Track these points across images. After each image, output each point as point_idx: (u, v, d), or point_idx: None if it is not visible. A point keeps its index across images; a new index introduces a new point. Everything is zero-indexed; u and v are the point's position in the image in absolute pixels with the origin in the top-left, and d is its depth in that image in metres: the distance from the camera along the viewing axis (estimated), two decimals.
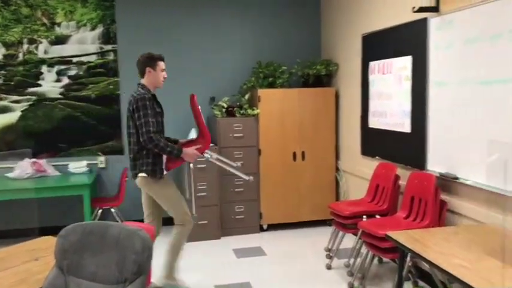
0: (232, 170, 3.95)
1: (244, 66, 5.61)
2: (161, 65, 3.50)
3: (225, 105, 5.16)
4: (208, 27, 5.52)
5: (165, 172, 3.56)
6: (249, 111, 5.12)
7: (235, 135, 5.05)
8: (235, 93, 5.56)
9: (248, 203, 5.16)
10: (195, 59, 5.52)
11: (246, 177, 3.89)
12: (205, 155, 3.74)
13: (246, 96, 5.31)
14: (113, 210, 5.01)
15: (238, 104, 5.27)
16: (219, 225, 5.04)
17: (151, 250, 1.94)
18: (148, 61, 3.47)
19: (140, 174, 3.49)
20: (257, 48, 5.67)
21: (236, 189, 5.09)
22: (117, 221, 4.53)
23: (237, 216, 5.13)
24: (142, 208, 3.71)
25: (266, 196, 5.19)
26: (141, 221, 5.33)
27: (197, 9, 5.48)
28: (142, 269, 1.90)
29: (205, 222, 4.99)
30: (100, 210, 4.99)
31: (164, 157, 3.55)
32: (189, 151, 3.52)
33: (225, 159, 4.09)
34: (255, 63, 5.59)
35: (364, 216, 3.87)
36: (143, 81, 3.51)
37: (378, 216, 3.85)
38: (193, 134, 5.20)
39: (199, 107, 3.54)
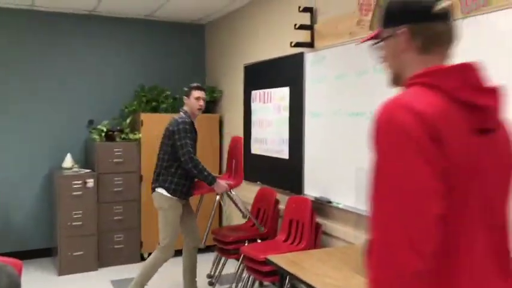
0: (243, 215, 4.19)
1: (126, 89, 5.44)
2: (195, 94, 3.80)
3: (105, 129, 4.95)
4: (88, 48, 5.30)
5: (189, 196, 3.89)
6: (131, 135, 4.98)
7: (115, 160, 4.86)
8: (116, 116, 5.37)
9: (128, 232, 4.96)
10: (73, 80, 5.24)
11: (261, 229, 4.07)
12: (233, 192, 4.13)
13: (128, 120, 5.16)
14: None
15: (119, 128, 5.09)
16: (96, 255, 4.76)
17: (19, 286, 1.77)
18: (186, 90, 3.86)
19: (158, 190, 3.75)
20: (141, 71, 5.56)
21: (115, 217, 4.87)
22: None
23: (115, 246, 4.90)
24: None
25: (147, 224, 5.03)
26: (10, 253, 4.85)
27: (76, 29, 5.24)
28: None
29: (81, 253, 4.68)
30: None
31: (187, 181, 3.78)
32: (222, 183, 3.85)
33: (240, 204, 4.19)
34: (137, 87, 5.47)
35: (246, 241, 3.94)
36: (185, 107, 3.86)
37: (259, 240, 3.95)
38: (68, 160, 4.91)
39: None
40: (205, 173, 3.68)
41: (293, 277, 2.56)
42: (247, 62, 4.76)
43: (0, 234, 4.93)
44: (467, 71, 1.14)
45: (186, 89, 3.89)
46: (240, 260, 3.87)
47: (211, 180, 3.71)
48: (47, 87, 5.09)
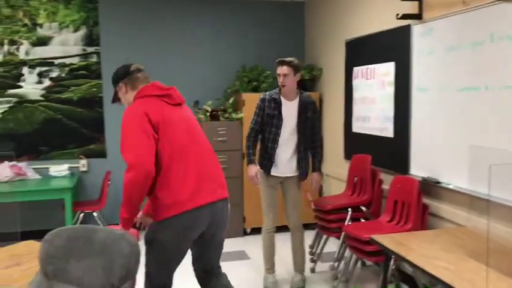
0: None
1: (229, 70, 5.61)
2: (277, 70, 3.62)
3: (209, 109, 5.15)
4: (192, 31, 5.52)
5: None
6: (233, 115, 5.13)
7: (219, 139, 5.05)
8: (220, 97, 5.56)
9: (232, 207, 5.13)
10: (180, 63, 5.50)
11: None
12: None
13: (230, 100, 5.32)
14: (95, 214, 4.95)
15: (222, 107, 5.27)
16: None
17: (139, 255, 1.93)
18: None
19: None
20: (242, 52, 5.68)
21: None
22: (100, 225, 4.48)
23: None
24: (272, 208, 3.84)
25: (249, 200, 5.19)
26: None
27: (181, 13, 5.47)
28: (130, 274, 1.89)
29: None
30: (82, 214, 4.92)
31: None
32: (252, 167, 3.70)
33: None
34: (239, 67, 5.60)
35: (349, 209, 3.90)
36: None
37: (362, 208, 3.91)
38: None
39: None
40: (247, 152, 3.73)
41: (399, 258, 2.48)
42: (349, 38, 4.63)
43: (117, 207, 5.39)
44: (154, 85, 2.51)
45: None
46: (342, 238, 3.85)
47: (247, 161, 3.73)
48: (157, 71, 5.40)
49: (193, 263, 2.68)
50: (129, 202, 2.25)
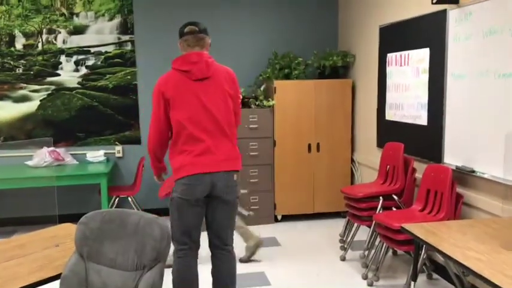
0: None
1: (260, 58, 5.61)
2: None
3: (241, 96, 5.16)
4: (224, 18, 5.53)
5: None
6: (265, 102, 5.13)
7: (250, 126, 5.07)
8: (251, 84, 5.57)
9: (263, 194, 5.19)
10: (212, 50, 5.51)
11: (245, 213, 4.34)
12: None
13: (262, 88, 5.32)
14: (129, 198, 5.08)
15: (253, 95, 5.28)
16: None
17: (170, 238, 1.98)
18: None
19: None
20: (273, 39, 5.66)
21: (251, 180, 5.12)
22: (134, 210, 4.60)
23: (251, 207, 5.16)
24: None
25: (281, 187, 5.21)
26: (157, 209, 5.42)
27: (213, 0, 5.49)
28: (161, 256, 1.95)
29: None
30: (117, 199, 5.06)
31: None
32: None
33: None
34: (271, 54, 5.59)
35: (381, 197, 3.87)
36: None
37: (395, 197, 3.87)
38: None
39: None
40: None
41: (430, 247, 2.45)
42: (383, 24, 4.54)
43: (150, 192, 5.52)
44: (183, 59, 2.76)
45: None
46: (372, 226, 3.82)
47: None
48: None
49: (208, 233, 2.92)
50: (151, 163, 2.97)
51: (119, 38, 5.32)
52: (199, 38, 2.80)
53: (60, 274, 2.09)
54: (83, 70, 5.27)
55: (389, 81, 4.40)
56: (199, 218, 2.81)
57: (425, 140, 3.85)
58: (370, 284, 3.59)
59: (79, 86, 5.27)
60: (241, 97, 5.12)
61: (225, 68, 2.90)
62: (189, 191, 2.72)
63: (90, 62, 5.28)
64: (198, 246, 2.87)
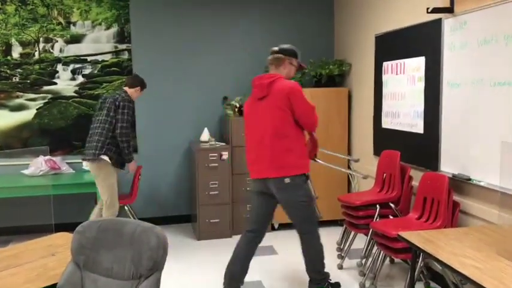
0: (342, 170, 4.25)
1: (257, 65, 5.62)
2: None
3: (238, 105, 5.18)
4: (220, 27, 5.55)
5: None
6: None
7: None
8: (248, 92, 5.58)
9: None
10: (208, 59, 5.55)
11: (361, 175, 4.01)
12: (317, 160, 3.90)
13: None
14: (126, 207, 5.06)
15: None
16: (231, 224, 5.07)
17: (167, 247, 1.97)
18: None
19: None
20: (270, 47, 5.66)
21: (248, 188, 5.11)
22: (131, 218, 4.58)
23: (248, 215, 5.13)
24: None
25: None
26: (154, 218, 5.40)
27: (210, 9, 5.51)
28: (157, 265, 1.94)
29: (217, 220, 5.02)
30: None
31: None
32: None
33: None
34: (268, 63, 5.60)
35: (377, 206, 3.87)
36: None
37: (391, 204, 3.88)
38: (205, 134, 5.25)
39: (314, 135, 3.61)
40: None
41: (427, 255, 2.45)
42: (378, 32, 4.57)
43: (147, 201, 5.50)
44: (257, 79, 3.38)
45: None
46: (369, 235, 3.82)
47: None
48: (187, 66, 5.47)
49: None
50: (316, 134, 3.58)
51: (116, 47, 5.33)
52: (274, 58, 3.41)
53: (56, 284, 2.08)
54: (80, 79, 5.27)
55: (386, 90, 4.43)
56: None
57: (422, 148, 3.86)
58: None
59: (76, 94, 5.27)
60: (238, 105, 5.15)
61: (283, 84, 3.28)
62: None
63: (86, 71, 5.28)
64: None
